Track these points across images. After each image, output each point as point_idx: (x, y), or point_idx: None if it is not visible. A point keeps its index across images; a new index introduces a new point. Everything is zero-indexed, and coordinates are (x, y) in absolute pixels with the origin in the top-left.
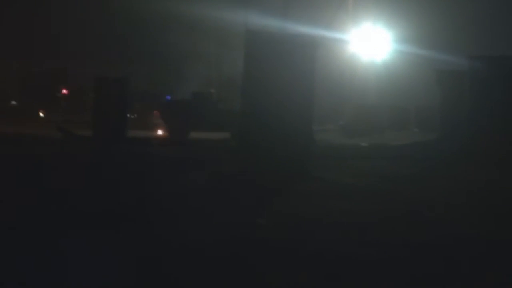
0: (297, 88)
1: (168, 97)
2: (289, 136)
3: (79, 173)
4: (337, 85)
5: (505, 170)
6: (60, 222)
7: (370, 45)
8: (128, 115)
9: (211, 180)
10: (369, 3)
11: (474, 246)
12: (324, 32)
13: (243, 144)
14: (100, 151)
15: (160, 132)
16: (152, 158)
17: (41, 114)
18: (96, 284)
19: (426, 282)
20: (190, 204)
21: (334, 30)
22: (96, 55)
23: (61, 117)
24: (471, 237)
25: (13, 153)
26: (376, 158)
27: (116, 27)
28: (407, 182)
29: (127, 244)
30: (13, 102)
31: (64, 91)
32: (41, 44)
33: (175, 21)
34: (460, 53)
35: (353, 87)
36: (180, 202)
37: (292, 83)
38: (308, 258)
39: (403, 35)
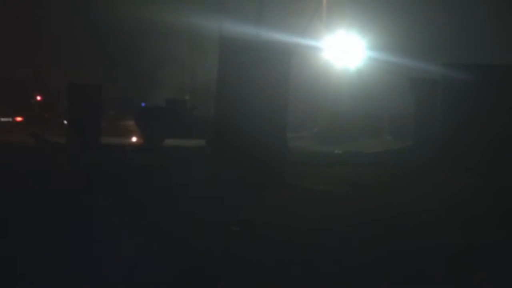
0: (272, 95)
1: (143, 104)
2: (264, 143)
3: (45, 179)
4: (311, 92)
5: (477, 177)
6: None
7: (344, 53)
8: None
9: (184, 186)
10: (343, 11)
11: (444, 252)
12: (299, 39)
13: (217, 150)
14: (71, 158)
15: (134, 139)
16: (124, 164)
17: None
18: None
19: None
20: (162, 210)
21: (308, 38)
22: (71, 61)
23: (36, 123)
24: (440, 244)
25: None
26: (350, 165)
27: (91, 33)
28: (381, 190)
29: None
30: None
31: (38, 97)
32: (15, 50)
33: (149, 27)
34: (434, 61)
35: (327, 94)
36: (148, 209)
37: (267, 90)
38: (277, 265)
39: (377, 43)
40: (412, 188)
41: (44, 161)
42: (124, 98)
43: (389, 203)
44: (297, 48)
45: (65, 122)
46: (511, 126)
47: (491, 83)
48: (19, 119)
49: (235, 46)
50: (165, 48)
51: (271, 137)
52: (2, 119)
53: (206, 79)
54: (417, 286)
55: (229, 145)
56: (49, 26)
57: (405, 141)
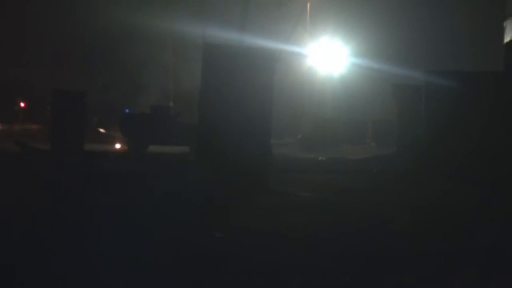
0: (256, 101)
1: (127, 111)
2: (248, 149)
3: (26, 185)
4: (295, 98)
5: (460, 183)
6: None
7: (328, 59)
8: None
9: (166, 192)
10: (327, 18)
11: (425, 259)
12: (283, 45)
13: (201, 157)
14: (54, 164)
15: (118, 145)
16: (106, 171)
17: None
18: None
19: None
20: (143, 216)
21: (292, 44)
22: (55, 67)
23: (19, 130)
24: (421, 249)
25: None
26: (333, 172)
27: (76, 38)
28: (364, 196)
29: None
30: None
31: (22, 104)
32: None
33: (134, 32)
34: (416, 68)
35: (311, 100)
36: (129, 216)
37: (251, 96)
38: (261, 272)
39: (360, 49)
40: (395, 194)
41: (26, 168)
42: (108, 104)
43: (372, 209)
44: (281, 54)
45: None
46: (493, 132)
47: (473, 90)
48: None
49: (219, 52)
50: (150, 53)
51: (255, 144)
52: None
53: (191, 85)
54: None
55: (213, 151)
56: (32, 30)
57: (388, 147)
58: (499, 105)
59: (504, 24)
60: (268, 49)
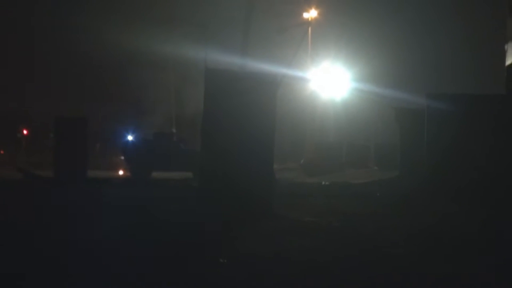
0: (258, 126)
1: (128, 137)
2: (251, 174)
3: (30, 213)
4: (297, 122)
5: (462, 205)
6: None
7: (330, 83)
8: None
9: (170, 219)
10: (328, 43)
11: (429, 282)
12: (285, 70)
13: (204, 182)
14: (57, 192)
15: (121, 172)
16: (110, 198)
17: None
18: None
19: None
20: (147, 244)
21: (295, 69)
22: (57, 94)
23: (22, 157)
24: (425, 273)
25: None
26: (337, 196)
27: (77, 65)
28: (368, 220)
29: None
30: None
31: (25, 131)
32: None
33: (136, 58)
34: (418, 91)
35: (313, 125)
36: (133, 243)
37: (253, 121)
38: None
39: (362, 73)
40: (398, 218)
41: (27, 196)
42: (110, 130)
43: (375, 233)
44: (283, 78)
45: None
46: (495, 154)
47: (475, 112)
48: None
49: (221, 77)
50: (153, 78)
51: (258, 168)
52: None
53: (194, 109)
54: None
55: (216, 176)
56: (33, 58)
57: (391, 170)
58: (501, 127)
59: (506, 46)
60: (270, 73)
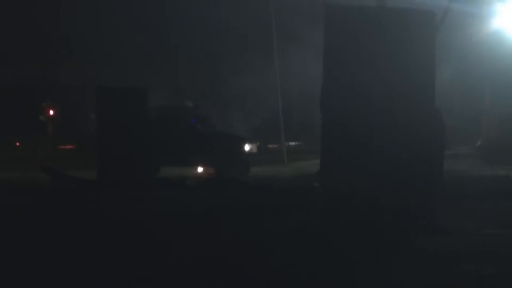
0: (410, 92)
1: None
2: (403, 166)
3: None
4: (470, 84)
5: None
6: None
7: None
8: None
9: (290, 234)
10: None
11: None
12: (448, 2)
13: (330, 181)
14: (111, 204)
15: (201, 169)
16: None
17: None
18: None
19: None
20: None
21: (469, 2)
22: (91, 57)
23: (48, 151)
24: None
25: None
26: None
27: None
28: None
29: None
30: None
31: (51, 111)
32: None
33: None
34: None
35: (495, 87)
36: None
37: (403, 81)
38: None
39: None
40: None
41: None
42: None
43: None
44: (445, 15)
45: None
46: None
47: None
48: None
49: (350, 16)
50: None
51: (414, 156)
52: None
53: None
54: None
55: (348, 170)
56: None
57: None
58: None
59: None
60: (424, 8)
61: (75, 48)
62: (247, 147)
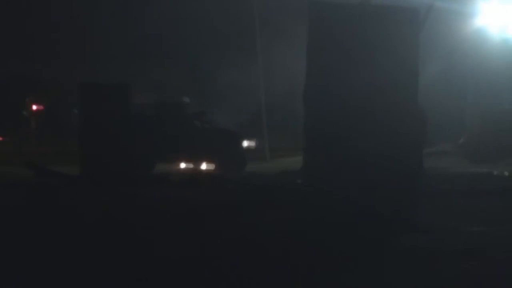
0: (394, 88)
1: None
2: (384, 163)
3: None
4: (454, 81)
5: None
6: None
7: (504, 18)
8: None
9: (271, 231)
10: None
11: None
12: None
13: (312, 177)
14: (93, 200)
15: (183, 165)
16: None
17: None
18: None
19: None
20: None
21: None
22: (76, 53)
23: (32, 146)
24: None
25: None
26: None
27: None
28: None
29: None
30: None
31: (35, 106)
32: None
33: None
34: None
35: (478, 83)
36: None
37: (384, 79)
38: None
39: None
40: None
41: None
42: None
43: None
44: (429, 12)
45: None
46: None
47: None
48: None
49: (333, 13)
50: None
51: (395, 154)
52: None
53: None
54: None
55: (330, 166)
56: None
57: None
58: None
59: None
60: (409, 5)
61: (59, 44)
62: (245, 144)
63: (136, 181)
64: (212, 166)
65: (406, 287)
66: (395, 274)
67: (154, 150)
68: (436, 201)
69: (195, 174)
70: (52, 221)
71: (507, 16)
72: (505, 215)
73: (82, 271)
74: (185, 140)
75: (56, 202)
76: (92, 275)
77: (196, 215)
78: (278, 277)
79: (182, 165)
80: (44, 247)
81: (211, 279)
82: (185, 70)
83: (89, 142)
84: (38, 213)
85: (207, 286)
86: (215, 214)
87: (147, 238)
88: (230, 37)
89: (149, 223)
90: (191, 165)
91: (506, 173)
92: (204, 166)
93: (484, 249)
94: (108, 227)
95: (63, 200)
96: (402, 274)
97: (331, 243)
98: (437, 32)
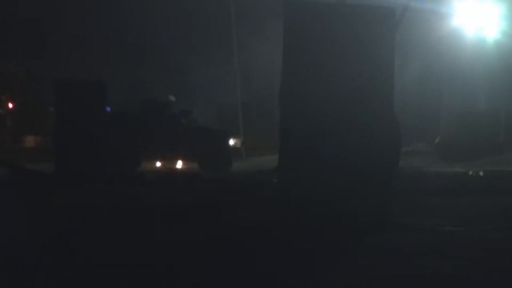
0: (368, 86)
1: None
2: (358, 162)
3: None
4: (428, 81)
5: None
6: None
7: (480, 19)
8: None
9: (239, 230)
10: None
11: None
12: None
13: (285, 176)
14: (67, 197)
15: (158, 163)
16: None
17: None
18: None
19: None
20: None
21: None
22: (54, 50)
23: (7, 143)
24: None
25: None
26: (492, 192)
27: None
28: None
29: None
30: None
31: (10, 104)
32: None
33: None
34: None
35: (453, 84)
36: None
37: (359, 78)
38: None
39: None
40: None
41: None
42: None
43: None
44: (404, 12)
45: None
46: None
47: None
48: None
49: (308, 12)
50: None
51: (369, 152)
52: None
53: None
54: None
55: (305, 165)
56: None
57: None
58: None
59: None
60: (384, 5)
61: (35, 40)
62: (231, 142)
63: (110, 180)
64: (196, 165)
65: (384, 279)
66: (366, 271)
67: (140, 148)
68: (412, 200)
69: (172, 172)
70: (24, 219)
71: (483, 17)
72: (477, 214)
73: (52, 271)
74: (171, 138)
75: (29, 200)
76: (59, 273)
77: (169, 215)
78: (243, 277)
79: (161, 164)
80: (14, 246)
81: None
82: (162, 66)
83: (63, 140)
84: (10, 211)
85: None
86: (191, 212)
87: (115, 237)
88: (208, 34)
89: (119, 222)
90: (175, 164)
91: (481, 173)
92: (182, 164)
93: (458, 248)
94: (79, 225)
95: (36, 198)
96: (374, 271)
97: (302, 243)
98: (413, 32)
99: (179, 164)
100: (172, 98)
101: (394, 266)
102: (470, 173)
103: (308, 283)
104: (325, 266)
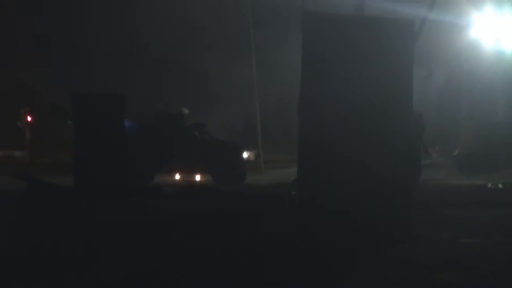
0: (388, 99)
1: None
2: (378, 173)
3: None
4: (447, 92)
5: None
6: None
7: (498, 31)
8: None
9: (266, 246)
10: None
11: None
12: (426, 12)
13: (305, 188)
14: (88, 211)
15: (178, 176)
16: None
17: None
18: None
19: None
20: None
21: (442, 10)
22: (70, 64)
23: (25, 157)
24: None
25: None
26: (511, 206)
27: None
28: None
29: None
30: None
31: (29, 118)
32: None
33: None
34: None
35: (472, 95)
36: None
37: (379, 90)
38: None
39: None
40: None
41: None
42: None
43: None
44: (423, 24)
45: None
46: None
47: None
48: None
49: (327, 25)
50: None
51: (390, 163)
52: None
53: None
54: None
55: (324, 177)
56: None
57: None
58: None
59: None
60: (403, 17)
61: (52, 53)
62: (245, 155)
63: (129, 192)
64: (210, 178)
65: None
66: (383, 283)
67: (153, 161)
68: (431, 212)
69: (190, 185)
70: (43, 232)
71: (501, 28)
72: (495, 226)
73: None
74: (185, 151)
75: (48, 213)
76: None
77: (189, 226)
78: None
79: (179, 177)
80: (34, 258)
81: None
82: (178, 76)
83: (82, 153)
84: (28, 223)
85: None
86: (209, 225)
87: (135, 249)
88: (226, 43)
89: (140, 234)
90: (189, 177)
91: (500, 185)
92: (200, 177)
93: (474, 261)
94: (99, 237)
95: (54, 211)
96: (390, 284)
97: (320, 255)
98: (431, 44)
99: (197, 177)
100: (186, 110)
101: (413, 277)
102: (489, 185)
103: None
104: (343, 277)
